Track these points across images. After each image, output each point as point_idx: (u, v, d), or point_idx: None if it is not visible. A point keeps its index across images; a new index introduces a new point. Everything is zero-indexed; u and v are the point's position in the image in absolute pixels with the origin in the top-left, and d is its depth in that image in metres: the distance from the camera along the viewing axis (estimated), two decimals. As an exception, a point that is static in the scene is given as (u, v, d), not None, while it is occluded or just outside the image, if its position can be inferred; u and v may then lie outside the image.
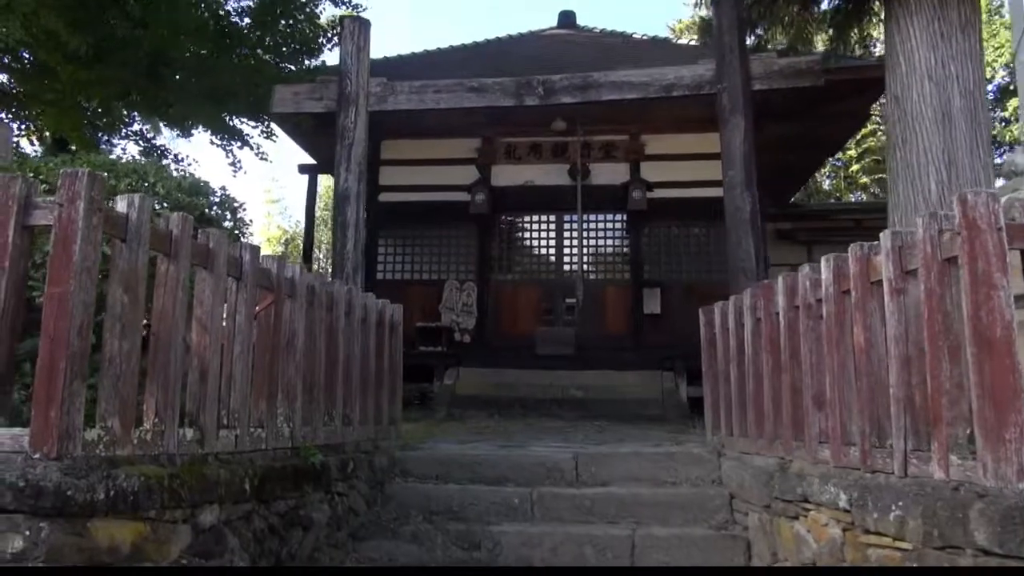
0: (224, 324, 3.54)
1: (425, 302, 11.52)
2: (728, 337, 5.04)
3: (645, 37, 13.74)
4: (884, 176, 29.68)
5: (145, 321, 3.11)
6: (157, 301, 3.13)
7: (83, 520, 2.47)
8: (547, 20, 14.57)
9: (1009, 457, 2.43)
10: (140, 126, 9.56)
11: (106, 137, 11.16)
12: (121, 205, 2.94)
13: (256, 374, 3.80)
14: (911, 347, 3.03)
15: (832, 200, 26.43)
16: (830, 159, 19.60)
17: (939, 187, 4.93)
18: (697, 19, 9.81)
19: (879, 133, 28.17)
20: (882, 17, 5.98)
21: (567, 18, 14.66)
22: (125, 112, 9.00)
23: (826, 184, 29.33)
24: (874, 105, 12.02)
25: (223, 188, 4.34)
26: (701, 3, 6.30)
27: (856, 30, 7.21)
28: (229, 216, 4.34)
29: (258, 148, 9.97)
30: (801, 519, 3.65)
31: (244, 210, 4.49)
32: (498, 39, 13.63)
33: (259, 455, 3.72)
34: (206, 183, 4.29)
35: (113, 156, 7.43)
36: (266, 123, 9.94)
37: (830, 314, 3.60)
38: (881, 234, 3.20)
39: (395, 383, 5.71)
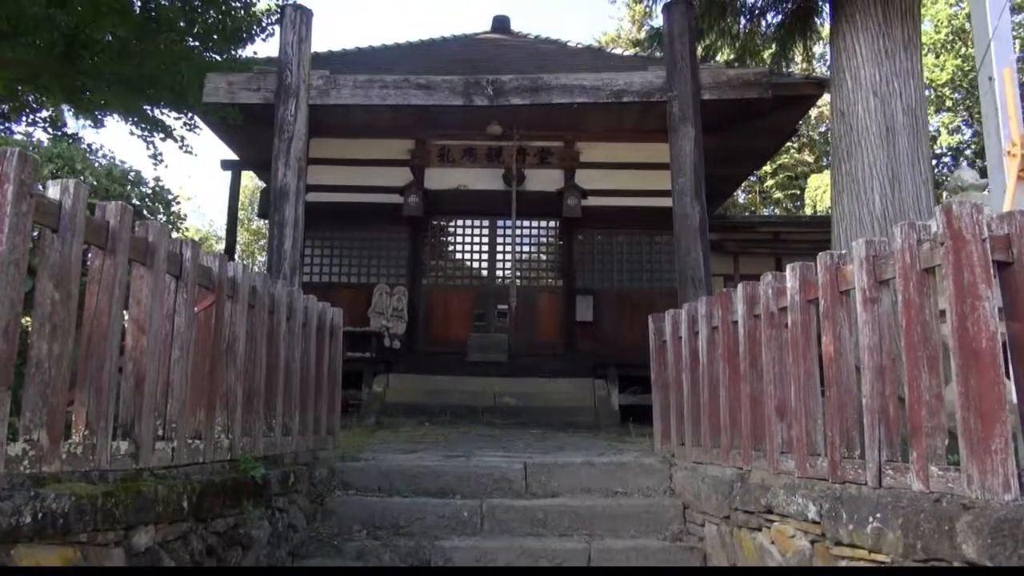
0: (163, 326, 3.24)
1: (354, 306, 11.14)
2: (680, 346, 5.00)
3: (580, 45, 13.80)
4: (796, 192, 30.73)
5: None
6: (90, 299, 2.81)
7: (6, 548, 2.16)
8: (479, 25, 14.41)
9: (995, 468, 2.42)
10: (48, 112, 8.87)
11: (4, 124, 10.37)
12: (53, 191, 2.62)
13: (195, 381, 3.49)
14: (884, 357, 3.02)
15: (747, 213, 27.30)
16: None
17: (883, 200, 5.04)
18: (646, 30, 9.84)
19: (792, 150, 29.36)
20: (823, 35, 6.11)
21: (501, 23, 14.59)
22: (33, 97, 8.33)
23: (741, 198, 30.32)
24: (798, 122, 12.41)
25: (157, 179, 4.00)
26: (650, 12, 6.28)
27: (801, 45, 7.37)
28: (162, 209, 4.00)
29: (182, 140, 9.42)
30: (764, 530, 3.61)
31: (178, 203, 4.15)
32: (432, 40, 13.42)
33: (197, 469, 3.41)
34: (137, 172, 3.95)
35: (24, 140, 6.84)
36: (189, 115, 9.41)
37: (795, 323, 3.58)
38: (853, 243, 3.19)
39: (334, 391, 5.43)
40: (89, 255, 2.88)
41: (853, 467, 3.12)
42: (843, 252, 3.39)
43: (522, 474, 4.89)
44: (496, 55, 11.89)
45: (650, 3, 6.30)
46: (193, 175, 49.78)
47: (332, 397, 5.38)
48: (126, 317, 3.11)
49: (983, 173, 4.64)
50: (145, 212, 3.77)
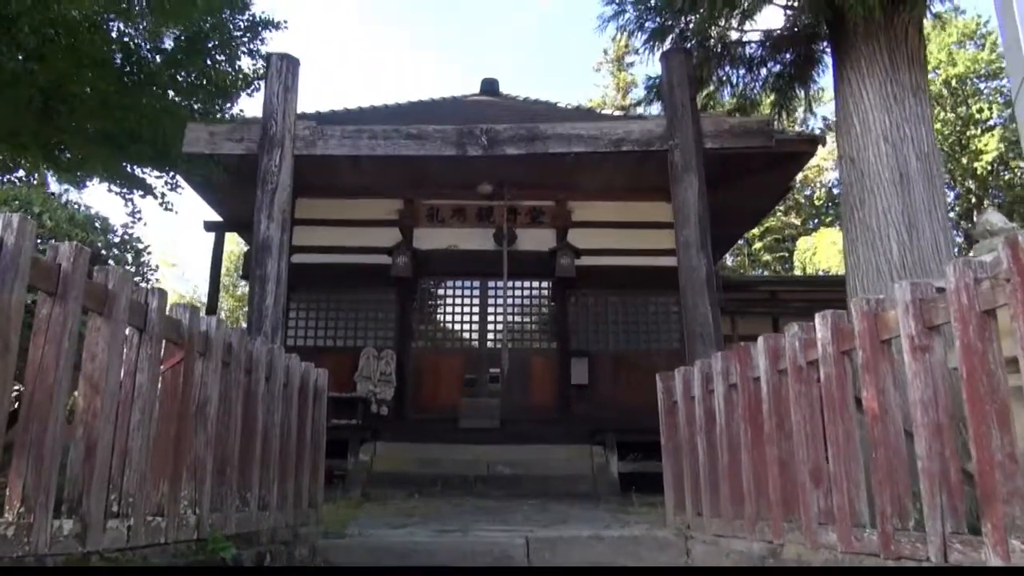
0: (121, 385, 2.85)
1: (339, 371, 10.70)
2: (693, 406, 4.63)
3: (571, 106, 13.80)
4: (784, 254, 30.71)
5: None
6: (34, 352, 2.44)
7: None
8: (468, 89, 14.42)
9: (1097, 542, 2.06)
10: (25, 172, 8.57)
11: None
12: (-7, 227, 2.28)
13: (158, 449, 3.09)
14: (941, 413, 2.67)
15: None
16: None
17: (901, 248, 4.79)
18: (643, 80, 9.70)
19: (779, 213, 29.52)
20: (820, 85, 5.96)
21: (490, 86, 14.61)
22: (9, 157, 8.05)
23: (729, 261, 30.34)
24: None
25: (125, 226, 3.66)
26: (647, 60, 6.14)
27: (802, 93, 7.26)
28: (131, 259, 3.65)
29: (163, 198, 9.11)
30: (806, 614, 3.18)
31: (149, 253, 3.80)
32: (422, 101, 13.37)
33: (157, 551, 2.97)
34: (104, 219, 3.61)
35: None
36: (171, 174, 9.15)
37: (829, 377, 3.24)
38: (895, 287, 2.88)
39: (317, 460, 4.99)
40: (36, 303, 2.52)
41: (910, 541, 2.73)
42: (876, 298, 3.08)
43: (524, 550, 4.43)
44: (487, 114, 11.78)
45: (645, 52, 6.17)
46: (177, 241, 49.59)
47: (315, 466, 4.94)
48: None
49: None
50: (111, 262, 3.42)
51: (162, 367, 3.18)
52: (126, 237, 3.68)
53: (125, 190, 8.71)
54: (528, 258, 11.10)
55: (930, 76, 26.22)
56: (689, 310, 5.74)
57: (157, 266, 3.93)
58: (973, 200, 26.91)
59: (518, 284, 11.28)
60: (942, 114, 26.25)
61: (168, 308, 3.25)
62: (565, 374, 10.71)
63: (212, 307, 12.36)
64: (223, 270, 17.80)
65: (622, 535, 4.60)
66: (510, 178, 10.91)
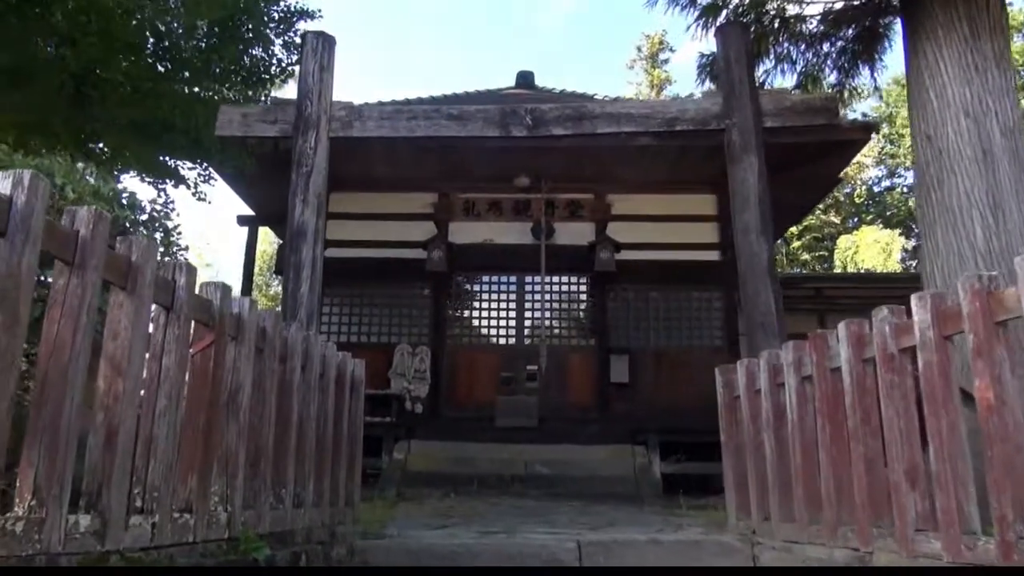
0: (146, 368, 2.59)
1: (373, 367, 10.44)
2: (759, 401, 4.28)
3: (607, 97, 13.44)
4: (823, 253, 30.06)
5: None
6: (49, 327, 2.18)
7: None
8: (502, 83, 14.11)
9: None
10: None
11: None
12: (3, 184, 2.02)
13: (186, 438, 2.83)
14: (1078, 403, 2.30)
15: (776, 276, 26.57)
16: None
17: (985, 231, 4.39)
18: (696, 58, 9.31)
19: (818, 211, 28.84)
20: (885, 63, 5.54)
21: (525, 78, 14.28)
22: (43, 146, 7.94)
23: (766, 261, 29.66)
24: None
25: (153, 201, 3.42)
26: (702, 35, 5.76)
27: (867, 70, 6.85)
28: (160, 239, 3.41)
29: (195, 187, 8.96)
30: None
31: (179, 234, 3.56)
32: (457, 95, 13.09)
33: (185, 550, 2.71)
34: (132, 194, 3.37)
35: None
36: (203, 165, 9.00)
37: (930, 365, 2.87)
38: (1018, 260, 2.51)
39: (354, 455, 4.72)
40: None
41: (1038, 550, 2.37)
42: (988, 275, 2.71)
43: (576, 554, 4.12)
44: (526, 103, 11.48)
45: (699, 29, 5.80)
46: (211, 242, 50.03)
47: (352, 462, 4.67)
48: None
49: None
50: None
51: (191, 350, 2.92)
52: (155, 214, 3.45)
53: (158, 180, 8.57)
54: (566, 252, 10.78)
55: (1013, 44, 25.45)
56: (750, 299, 5.37)
57: (187, 247, 3.68)
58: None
59: (556, 279, 10.96)
60: None
61: (198, 287, 3.00)
62: (604, 372, 10.36)
63: (245, 303, 12.19)
64: (256, 269, 17.74)
65: (680, 539, 4.26)
66: (548, 171, 10.62)
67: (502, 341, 10.81)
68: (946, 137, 4.65)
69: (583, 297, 11.01)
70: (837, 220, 30.90)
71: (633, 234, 10.79)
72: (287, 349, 3.74)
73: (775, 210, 12.30)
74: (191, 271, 2.82)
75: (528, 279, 10.90)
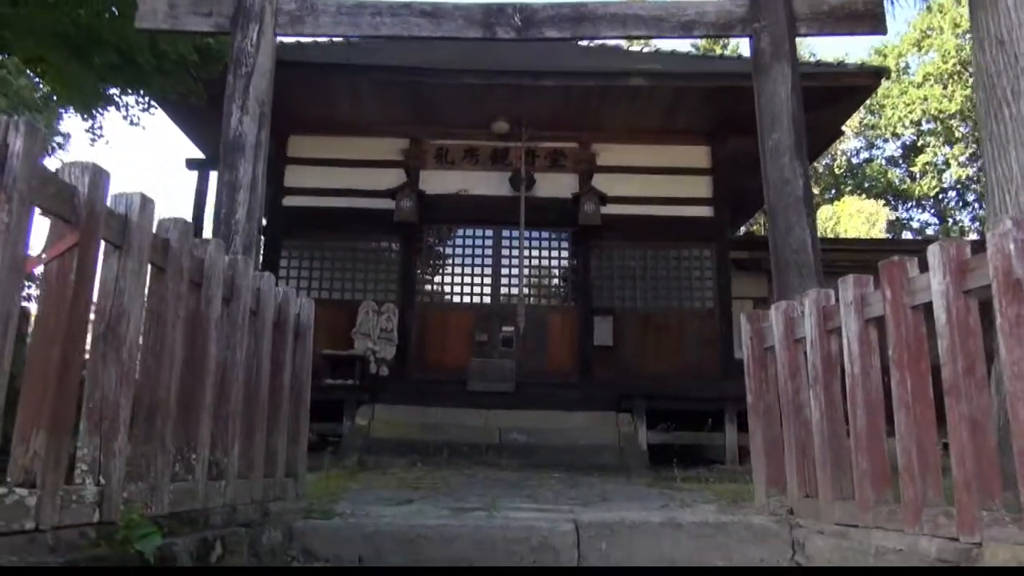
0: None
1: (335, 326, 9.63)
2: (798, 352, 3.48)
3: None
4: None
5: None
6: None
7: None
8: None
9: None
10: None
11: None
12: None
13: (29, 381, 1.94)
14: None
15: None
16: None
17: (1073, 151, 3.62)
18: None
19: (798, 181, 28.23)
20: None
21: None
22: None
23: (742, 231, 29.19)
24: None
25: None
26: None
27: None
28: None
29: (127, 110, 7.88)
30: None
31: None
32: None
33: (23, 542, 1.84)
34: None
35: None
36: (143, 94, 7.94)
37: (1082, 292, 2.07)
38: None
39: (300, 414, 3.84)
40: None
41: None
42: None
43: (573, 538, 3.30)
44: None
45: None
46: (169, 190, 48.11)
47: (296, 423, 3.79)
48: None
49: None
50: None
51: (39, 254, 2.02)
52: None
53: (86, 108, 7.49)
54: (547, 205, 9.93)
55: (961, 40, 25.02)
56: (780, 234, 4.53)
57: (68, 133, 2.75)
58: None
59: (535, 234, 10.11)
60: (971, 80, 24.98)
61: (58, 168, 2.10)
62: (587, 334, 9.57)
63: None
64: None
65: (699, 521, 3.46)
66: (529, 115, 9.74)
67: (476, 300, 9.95)
68: (1022, 41, 3.87)
69: (565, 254, 10.16)
70: (816, 191, 30.48)
71: (620, 187, 9.95)
72: (203, 274, 2.84)
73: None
74: (35, 133, 1.90)
75: (506, 233, 10.03)
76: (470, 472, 6.86)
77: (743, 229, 16.90)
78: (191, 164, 10.41)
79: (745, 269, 11.69)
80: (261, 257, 8.35)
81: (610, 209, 9.74)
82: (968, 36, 24.76)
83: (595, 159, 10.21)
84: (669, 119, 9.92)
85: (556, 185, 10.07)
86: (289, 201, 10.01)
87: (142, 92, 7.69)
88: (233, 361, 3.03)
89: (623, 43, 13.44)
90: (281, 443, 3.54)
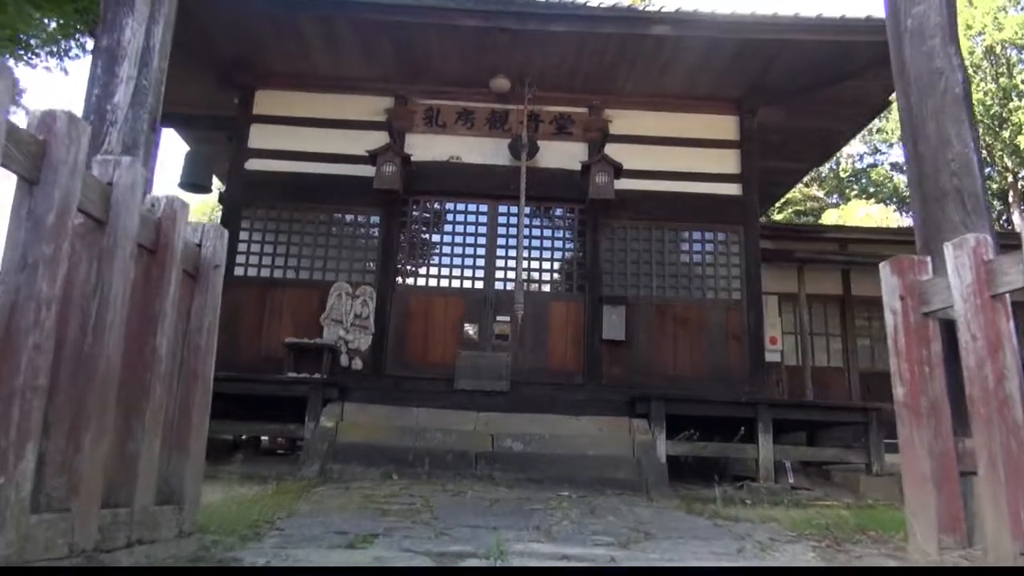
0: None
1: (301, 310, 8.26)
2: (997, 316, 2.14)
3: None
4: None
5: None
6: None
7: None
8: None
9: None
10: None
11: None
12: None
13: None
14: None
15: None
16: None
17: None
18: None
19: (801, 184, 27.11)
20: None
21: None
22: None
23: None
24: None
25: None
26: None
27: None
28: None
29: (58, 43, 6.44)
30: None
31: None
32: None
33: None
34: None
35: None
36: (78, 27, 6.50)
37: None
38: None
39: (190, 404, 2.45)
40: None
41: None
42: None
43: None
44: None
45: None
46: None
47: (185, 416, 2.40)
48: None
49: None
50: None
51: None
52: None
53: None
54: (552, 177, 8.56)
55: (972, 42, 24.01)
56: (929, 148, 3.07)
57: None
58: (1010, 178, 24.72)
59: (538, 210, 8.74)
60: (982, 85, 24.02)
61: None
62: (595, 326, 8.19)
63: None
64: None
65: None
66: (534, 72, 8.42)
67: (467, 284, 8.54)
68: None
69: (571, 233, 8.78)
70: (820, 194, 29.41)
71: (636, 159, 8.59)
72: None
73: (798, 144, 10.33)
74: None
75: (503, 208, 8.64)
76: (456, 488, 5.48)
77: (763, 218, 15.56)
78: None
79: (776, 260, 10.41)
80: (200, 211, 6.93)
81: (624, 183, 8.39)
82: (978, 37, 23.94)
83: (607, 126, 8.86)
84: (694, 83, 8.61)
85: (562, 154, 8.71)
86: (253, 164, 8.61)
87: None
88: (29, 294, 1.64)
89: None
90: (148, 449, 2.15)
